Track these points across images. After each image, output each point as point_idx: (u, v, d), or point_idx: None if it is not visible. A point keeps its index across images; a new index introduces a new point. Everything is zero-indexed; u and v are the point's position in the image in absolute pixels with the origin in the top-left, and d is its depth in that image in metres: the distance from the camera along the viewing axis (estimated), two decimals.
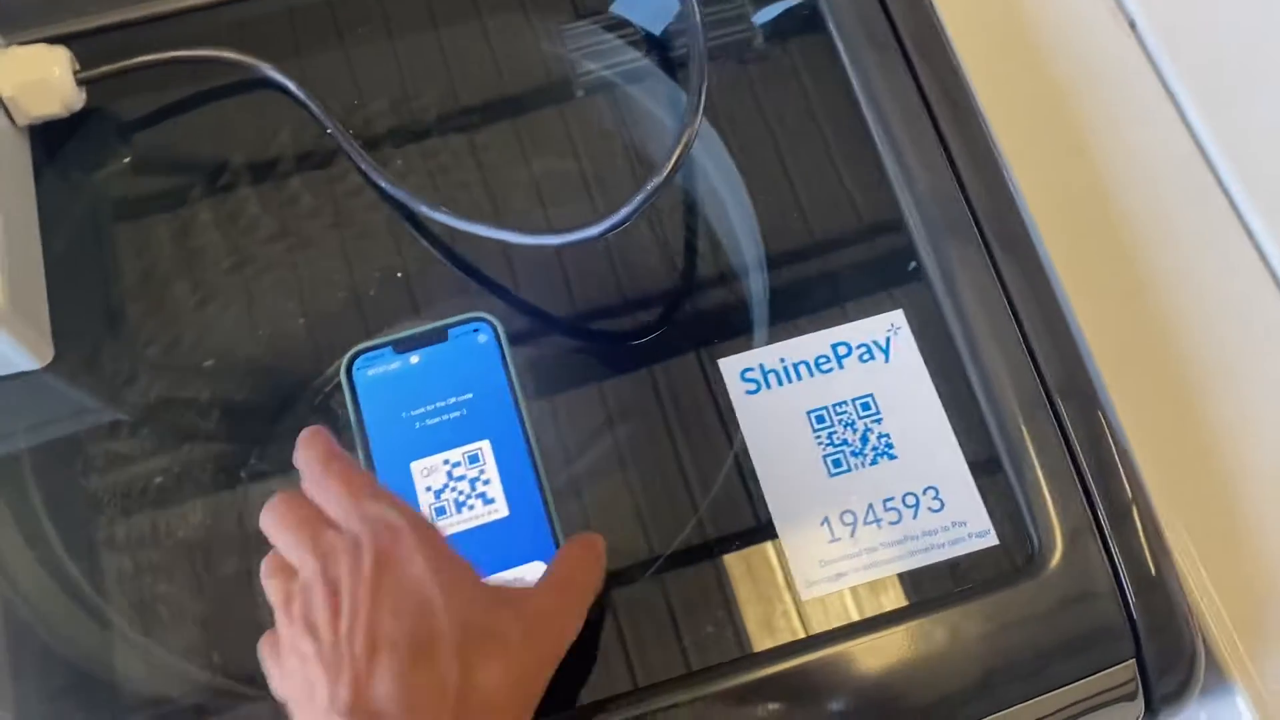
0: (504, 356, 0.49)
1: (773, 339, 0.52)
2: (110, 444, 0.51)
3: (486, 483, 0.47)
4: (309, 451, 0.42)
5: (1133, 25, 0.63)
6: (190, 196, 0.56)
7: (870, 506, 0.48)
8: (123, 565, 0.49)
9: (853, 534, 0.48)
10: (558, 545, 0.46)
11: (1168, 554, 0.49)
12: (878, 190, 0.55)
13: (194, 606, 0.48)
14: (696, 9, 0.51)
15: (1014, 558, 0.48)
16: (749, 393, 0.51)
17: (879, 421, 0.50)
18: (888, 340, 0.51)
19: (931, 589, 0.47)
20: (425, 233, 0.55)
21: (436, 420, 0.48)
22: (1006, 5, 0.63)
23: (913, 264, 0.53)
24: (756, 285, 0.54)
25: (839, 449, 0.49)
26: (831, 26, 0.58)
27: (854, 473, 0.49)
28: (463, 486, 0.47)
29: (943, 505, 0.48)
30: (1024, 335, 0.51)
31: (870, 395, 0.50)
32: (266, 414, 0.52)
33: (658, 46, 0.60)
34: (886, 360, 0.51)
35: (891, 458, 0.49)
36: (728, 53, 0.59)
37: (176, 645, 0.48)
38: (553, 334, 0.54)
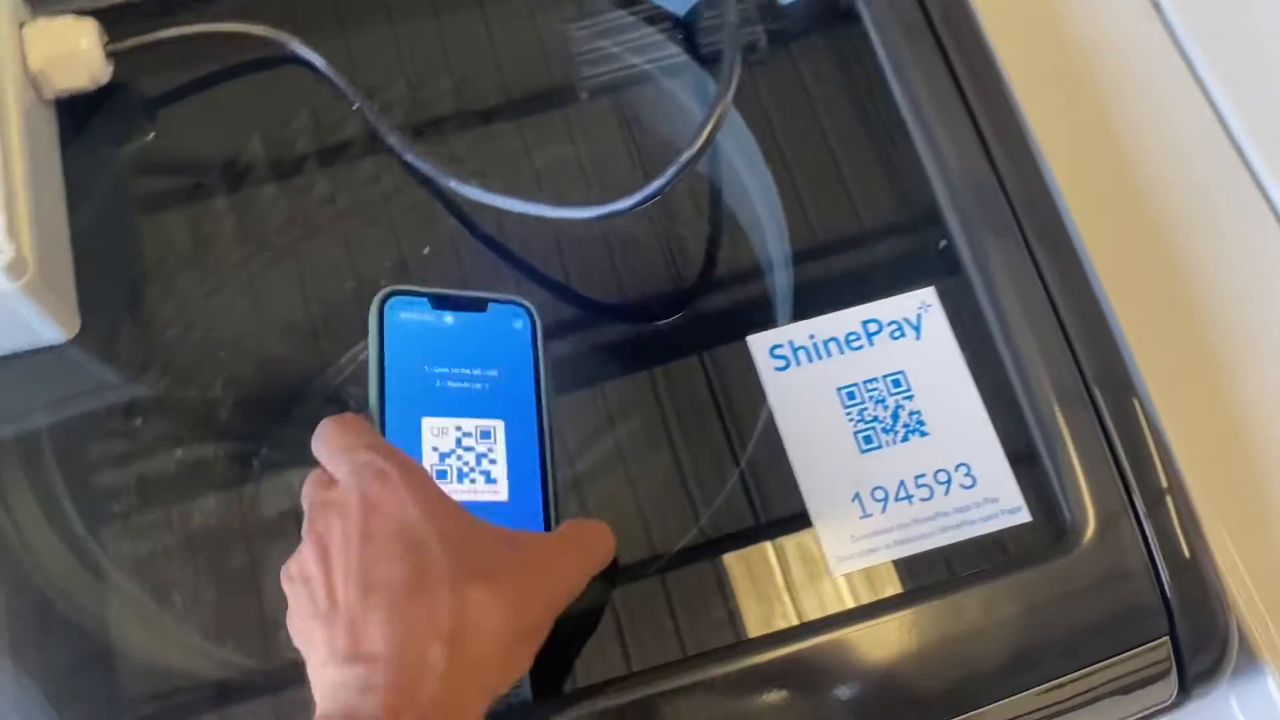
0: (536, 345, 0.48)
1: (803, 316, 0.51)
2: (132, 419, 0.51)
3: (493, 462, 0.46)
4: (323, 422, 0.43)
5: (1158, 9, 0.63)
6: (215, 173, 0.56)
7: (902, 483, 0.48)
8: (141, 543, 0.49)
9: (884, 510, 0.48)
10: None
11: (1202, 537, 0.48)
12: (910, 172, 0.55)
13: (209, 584, 0.48)
14: None
15: (1047, 535, 0.47)
16: (778, 369, 0.50)
17: (910, 398, 0.49)
18: (919, 317, 0.51)
19: (964, 565, 0.47)
20: (453, 209, 0.55)
21: (459, 385, 0.47)
22: None
23: (943, 242, 0.53)
24: (786, 264, 0.54)
25: (870, 426, 0.49)
26: (862, 7, 0.58)
27: (885, 449, 0.49)
28: (469, 458, 0.46)
29: (975, 482, 0.48)
30: (1060, 320, 0.51)
31: (901, 372, 0.50)
32: (293, 391, 0.52)
33: (685, 31, 0.59)
34: (918, 337, 0.51)
35: (923, 434, 0.49)
36: (760, 41, 0.59)
37: (195, 623, 0.47)
38: (579, 309, 0.53)
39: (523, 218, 0.53)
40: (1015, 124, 0.56)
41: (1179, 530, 0.48)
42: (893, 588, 0.47)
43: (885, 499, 0.48)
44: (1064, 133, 0.57)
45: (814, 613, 0.46)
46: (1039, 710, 0.45)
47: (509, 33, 0.59)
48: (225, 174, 0.56)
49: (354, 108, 0.56)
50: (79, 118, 0.56)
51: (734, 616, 0.46)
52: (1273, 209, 0.57)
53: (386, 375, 0.46)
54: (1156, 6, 0.62)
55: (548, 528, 0.45)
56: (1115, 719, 0.47)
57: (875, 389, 0.50)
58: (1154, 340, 0.53)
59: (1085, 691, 0.46)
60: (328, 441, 0.42)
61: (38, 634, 0.47)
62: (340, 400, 0.51)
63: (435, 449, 0.45)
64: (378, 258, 0.54)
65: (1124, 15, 0.62)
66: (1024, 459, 0.49)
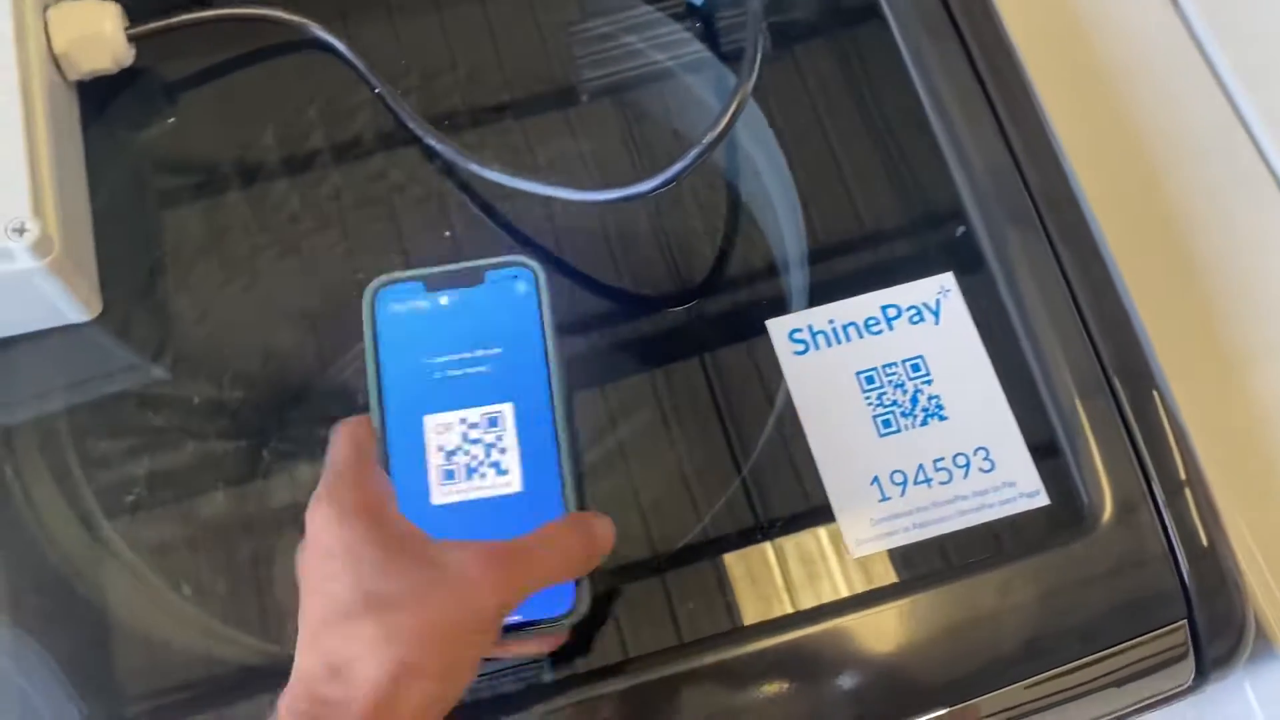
0: (541, 310, 0.44)
1: (821, 301, 0.52)
2: (153, 399, 0.51)
3: (503, 451, 0.42)
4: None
5: (1175, 2, 0.63)
6: (235, 157, 0.56)
7: (920, 466, 0.48)
8: (154, 527, 0.49)
9: (903, 493, 0.48)
10: None
11: (1220, 526, 0.48)
12: (930, 161, 0.55)
13: (229, 566, 0.48)
14: None
15: (1065, 519, 0.47)
16: (796, 353, 0.50)
17: (929, 383, 0.50)
18: (938, 302, 0.51)
19: (982, 549, 0.47)
20: (473, 194, 0.55)
21: (459, 373, 0.43)
22: None
23: (961, 229, 0.53)
24: (806, 250, 0.54)
25: (889, 409, 0.49)
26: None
27: (904, 433, 0.49)
28: (477, 451, 0.42)
29: (993, 465, 0.48)
30: (1080, 311, 0.51)
31: (920, 357, 0.50)
32: (310, 374, 0.52)
33: (704, 23, 0.59)
34: (937, 322, 0.51)
35: (942, 419, 0.49)
36: (778, 28, 0.59)
37: (212, 606, 0.48)
38: (597, 295, 0.54)
39: (544, 202, 0.53)
40: (1035, 115, 0.56)
41: (1197, 518, 0.48)
42: (911, 570, 0.47)
43: (904, 482, 0.48)
44: (1083, 125, 0.58)
45: (833, 595, 0.47)
46: (1059, 693, 0.46)
47: (520, 25, 0.59)
48: (244, 159, 0.56)
49: (375, 91, 0.56)
50: (100, 101, 0.56)
51: (752, 599, 0.46)
52: None
53: (383, 375, 0.43)
54: (1174, 1, 0.63)
55: (566, 513, 0.42)
56: (1134, 701, 0.47)
57: (894, 373, 0.50)
58: (1173, 332, 0.53)
59: (1104, 674, 0.46)
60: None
61: (55, 611, 0.47)
62: (350, 392, 0.51)
63: (440, 448, 0.43)
64: (398, 242, 0.54)
65: (1141, 8, 0.63)
66: (1043, 446, 0.49)
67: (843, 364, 0.50)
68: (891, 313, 0.51)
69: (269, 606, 0.47)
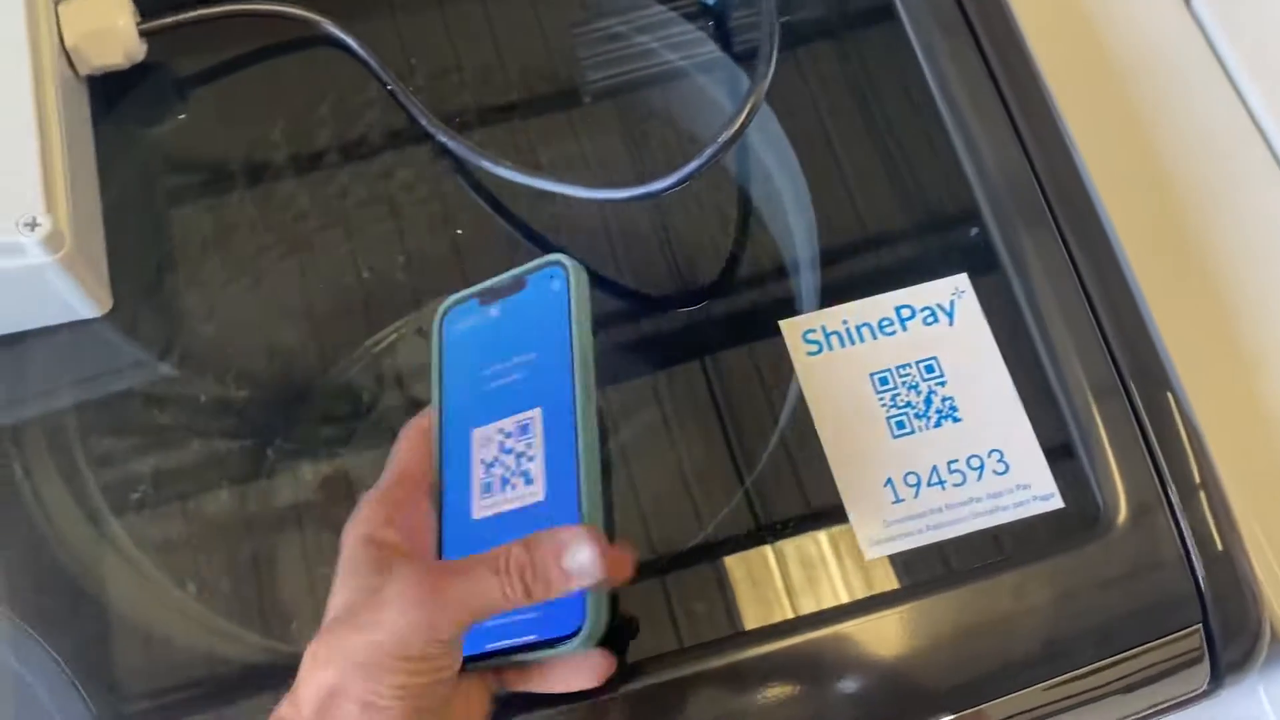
0: (570, 308, 0.42)
1: (834, 302, 0.51)
2: (162, 396, 0.51)
3: (530, 459, 0.41)
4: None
5: (1188, 4, 0.63)
6: (245, 154, 0.56)
7: (935, 468, 0.48)
8: (160, 524, 0.49)
9: (917, 495, 0.47)
10: None
11: (1235, 530, 0.48)
12: (944, 163, 0.55)
13: (237, 564, 0.48)
14: None
15: (1080, 521, 0.47)
16: (810, 354, 0.50)
17: (943, 384, 0.49)
18: (952, 303, 0.51)
19: (995, 551, 0.47)
20: (484, 193, 0.55)
21: (502, 382, 0.43)
22: None
23: (975, 230, 0.53)
24: (819, 251, 0.54)
25: (903, 411, 0.49)
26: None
27: (918, 434, 0.49)
28: (509, 461, 0.41)
29: (1007, 468, 0.48)
30: (1095, 314, 0.51)
31: (934, 358, 0.50)
32: (315, 373, 0.52)
33: (716, 22, 0.59)
34: (951, 323, 0.50)
35: (956, 420, 0.49)
36: (790, 27, 0.59)
37: (220, 606, 0.47)
38: (608, 295, 0.53)
39: (553, 201, 0.53)
40: (1049, 116, 0.56)
41: (1212, 522, 0.48)
42: (924, 574, 0.47)
43: (918, 484, 0.48)
44: (1097, 126, 0.57)
45: (847, 597, 0.46)
46: (1073, 696, 0.45)
47: (523, 24, 0.59)
48: (255, 156, 0.56)
49: (388, 89, 0.56)
50: (110, 96, 0.56)
51: (765, 599, 0.46)
52: None
53: (444, 395, 0.44)
54: (1187, 2, 0.63)
55: (580, 522, 0.39)
56: (1148, 706, 0.47)
57: (908, 374, 0.50)
58: (1187, 334, 0.53)
59: (1118, 679, 0.46)
60: None
61: (60, 606, 0.47)
62: (355, 392, 0.51)
63: (482, 461, 0.42)
64: (410, 239, 0.54)
65: (1153, 8, 0.62)
66: (1057, 449, 0.49)
67: (856, 365, 0.50)
68: (905, 313, 0.51)
69: (274, 604, 0.47)
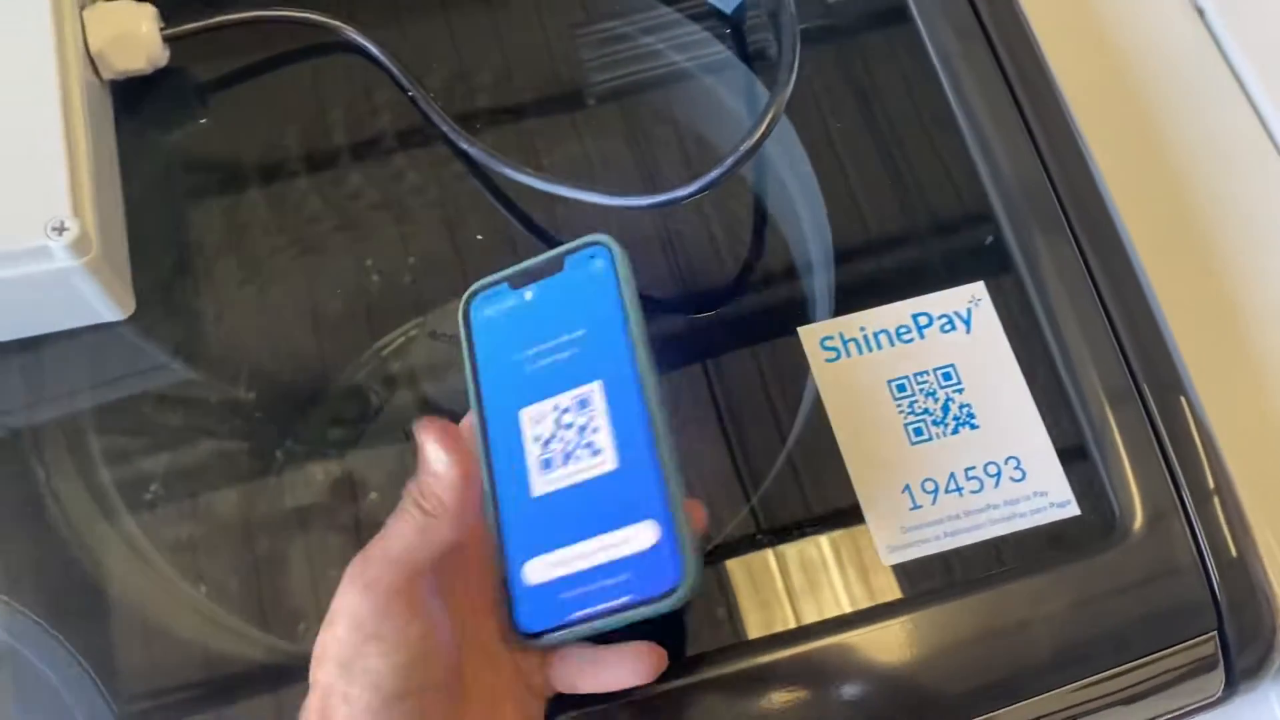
0: (619, 284, 0.43)
1: (851, 309, 0.52)
2: (176, 397, 0.51)
3: (595, 431, 0.42)
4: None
5: (1201, 13, 0.63)
6: (266, 159, 0.56)
7: (952, 475, 0.48)
8: (179, 525, 0.49)
9: (934, 501, 0.48)
10: (670, 501, 0.40)
11: (1249, 537, 0.48)
12: (959, 169, 0.55)
13: (251, 565, 0.48)
14: None
15: (1096, 528, 0.48)
16: (828, 361, 0.51)
17: (960, 391, 0.50)
18: (969, 311, 0.51)
19: (1013, 558, 0.47)
20: (504, 199, 0.55)
21: (548, 361, 0.43)
22: None
23: (990, 238, 0.53)
24: (836, 258, 0.54)
25: (920, 418, 0.49)
26: (911, 5, 0.59)
27: (935, 441, 0.49)
28: (570, 435, 0.42)
29: (1024, 475, 0.48)
30: (1109, 320, 0.51)
31: (952, 365, 0.50)
32: (330, 374, 0.52)
33: (732, 30, 0.60)
34: (968, 331, 0.51)
35: (973, 427, 0.49)
36: (805, 33, 0.59)
37: (235, 605, 0.48)
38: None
39: (569, 207, 0.53)
40: (1064, 124, 0.56)
41: (1226, 529, 0.48)
42: (942, 579, 0.47)
43: (935, 491, 0.48)
44: (1111, 134, 0.58)
45: (864, 602, 0.47)
46: (1089, 702, 0.46)
47: (528, 29, 0.59)
48: (275, 161, 0.56)
49: (408, 94, 0.56)
50: (133, 101, 0.56)
51: (783, 604, 0.47)
52: None
53: (481, 383, 0.44)
54: (1200, 10, 0.63)
55: (665, 484, 0.40)
56: (1162, 712, 0.47)
57: (925, 382, 0.50)
58: (1202, 341, 0.53)
59: (1133, 685, 0.46)
60: None
61: (80, 602, 0.47)
62: (365, 393, 0.51)
63: (537, 439, 0.43)
64: (430, 244, 0.54)
65: (1167, 18, 0.63)
66: (1073, 455, 0.49)
67: (874, 372, 0.50)
68: (923, 321, 0.51)
69: (284, 604, 0.47)
